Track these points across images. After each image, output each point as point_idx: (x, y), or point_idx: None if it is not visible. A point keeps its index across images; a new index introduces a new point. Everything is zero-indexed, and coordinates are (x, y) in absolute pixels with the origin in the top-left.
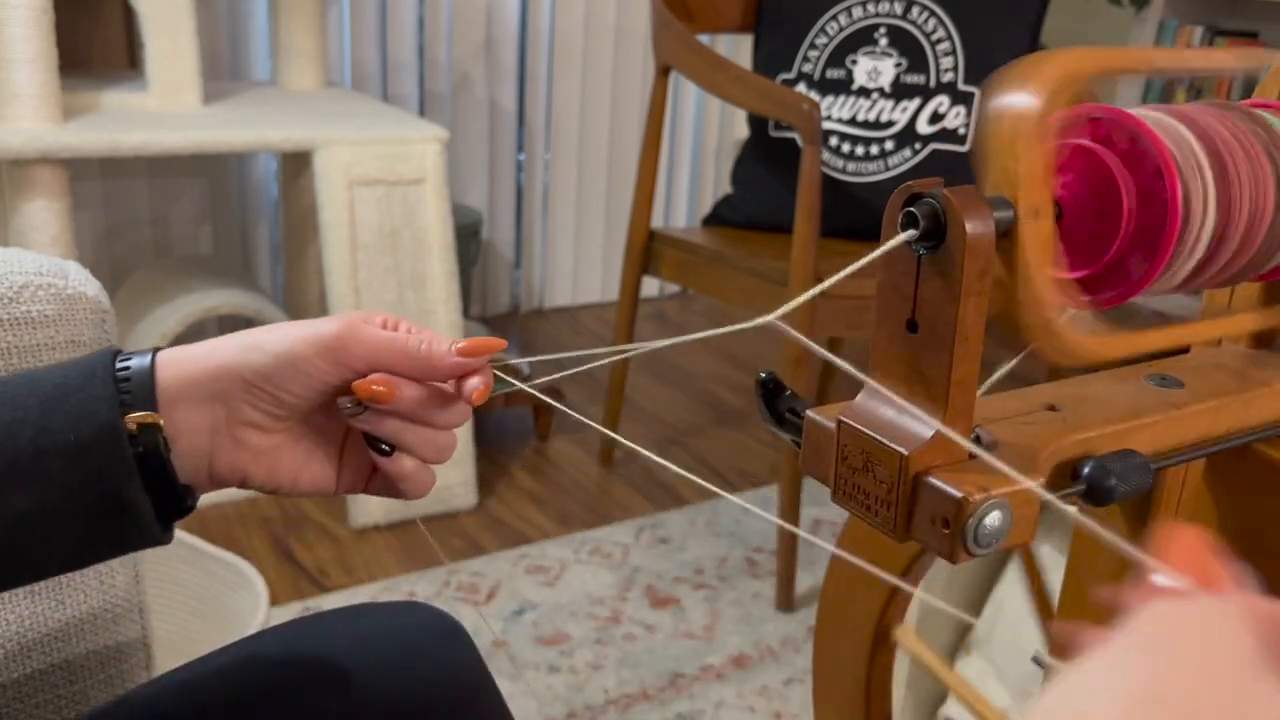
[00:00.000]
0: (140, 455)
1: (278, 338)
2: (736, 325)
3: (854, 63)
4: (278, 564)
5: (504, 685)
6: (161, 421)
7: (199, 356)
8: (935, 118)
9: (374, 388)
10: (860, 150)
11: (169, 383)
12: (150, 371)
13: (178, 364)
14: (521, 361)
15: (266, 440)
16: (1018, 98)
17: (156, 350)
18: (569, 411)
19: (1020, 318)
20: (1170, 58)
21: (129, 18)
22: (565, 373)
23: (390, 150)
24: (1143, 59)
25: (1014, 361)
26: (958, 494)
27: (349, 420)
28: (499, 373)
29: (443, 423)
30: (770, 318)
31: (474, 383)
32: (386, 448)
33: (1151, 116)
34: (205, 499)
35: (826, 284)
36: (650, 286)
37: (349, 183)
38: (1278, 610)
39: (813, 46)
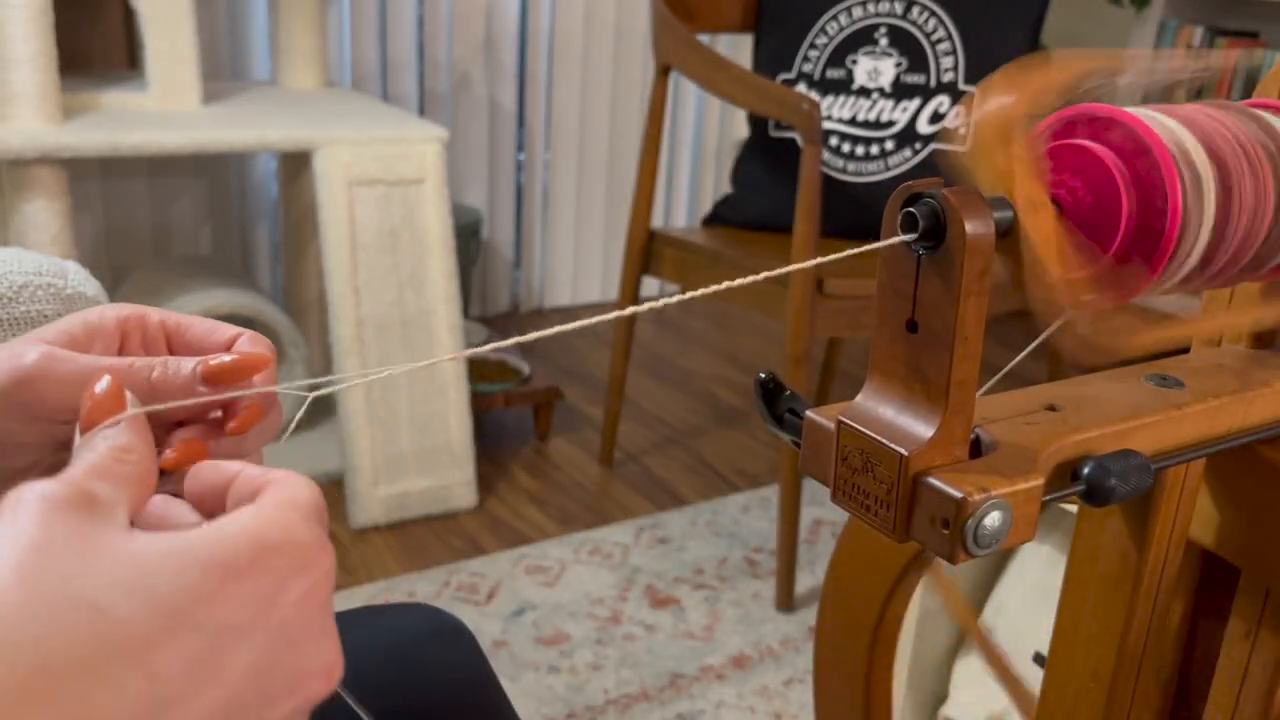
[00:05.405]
0: None
1: None
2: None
3: (854, 63)
4: None
5: (504, 686)
6: None
7: None
8: (936, 118)
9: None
10: (860, 150)
11: None
12: None
13: None
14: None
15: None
16: (1000, 99)
17: None
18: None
19: (1038, 314)
20: (1152, 59)
21: (129, 17)
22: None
23: (390, 150)
24: (1125, 61)
25: (1014, 362)
26: (957, 494)
27: None
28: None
29: (242, 450)
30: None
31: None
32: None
33: (1151, 117)
34: None
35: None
36: (650, 286)
37: (349, 182)
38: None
39: (813, 46)
